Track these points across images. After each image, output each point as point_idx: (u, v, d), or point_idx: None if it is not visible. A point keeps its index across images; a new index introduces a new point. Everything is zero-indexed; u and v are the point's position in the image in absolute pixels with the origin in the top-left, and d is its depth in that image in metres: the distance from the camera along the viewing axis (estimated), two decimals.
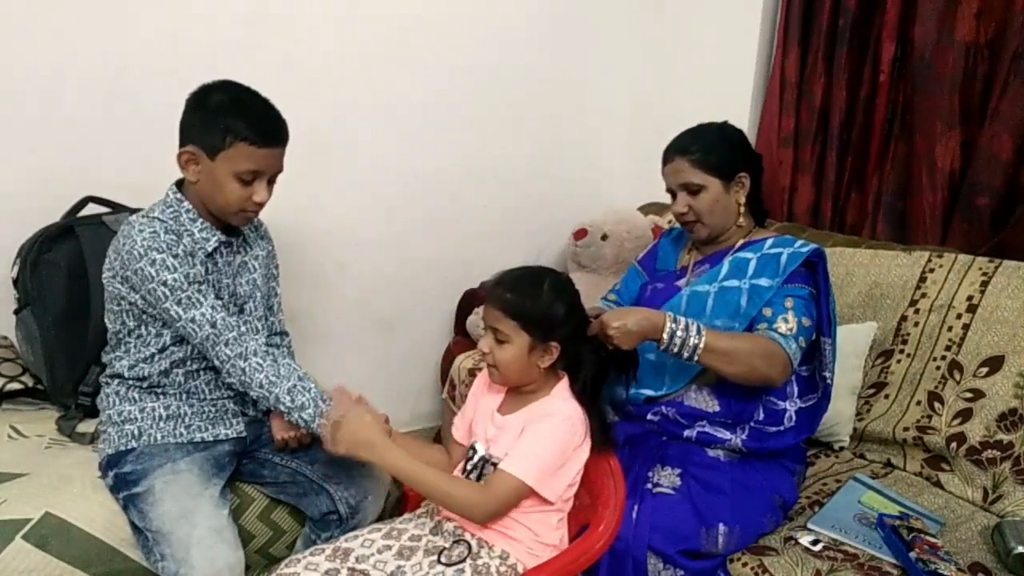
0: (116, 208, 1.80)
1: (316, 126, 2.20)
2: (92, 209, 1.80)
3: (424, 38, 2.36)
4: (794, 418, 1.53)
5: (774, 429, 1.52)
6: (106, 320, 1.48)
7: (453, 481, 1.30)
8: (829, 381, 1.55)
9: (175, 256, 1.36)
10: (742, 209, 1.59)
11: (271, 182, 1.45)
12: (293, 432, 1.51)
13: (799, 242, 1.53)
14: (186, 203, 1.44)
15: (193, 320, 1.37)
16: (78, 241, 1.70)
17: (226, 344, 1.38)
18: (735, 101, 2.47)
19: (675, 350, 1.39)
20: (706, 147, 1.54)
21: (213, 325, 1.37)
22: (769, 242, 1.56)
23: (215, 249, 1.46)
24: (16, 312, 1.74)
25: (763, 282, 1.49)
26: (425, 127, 2.43)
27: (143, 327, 1.44)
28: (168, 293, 1.35)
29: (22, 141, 1.82)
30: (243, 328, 1.41)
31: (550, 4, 2.61)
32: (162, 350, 1.46)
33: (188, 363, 1.48)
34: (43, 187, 1.82)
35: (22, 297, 1.70)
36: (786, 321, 1.44)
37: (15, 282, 1.71)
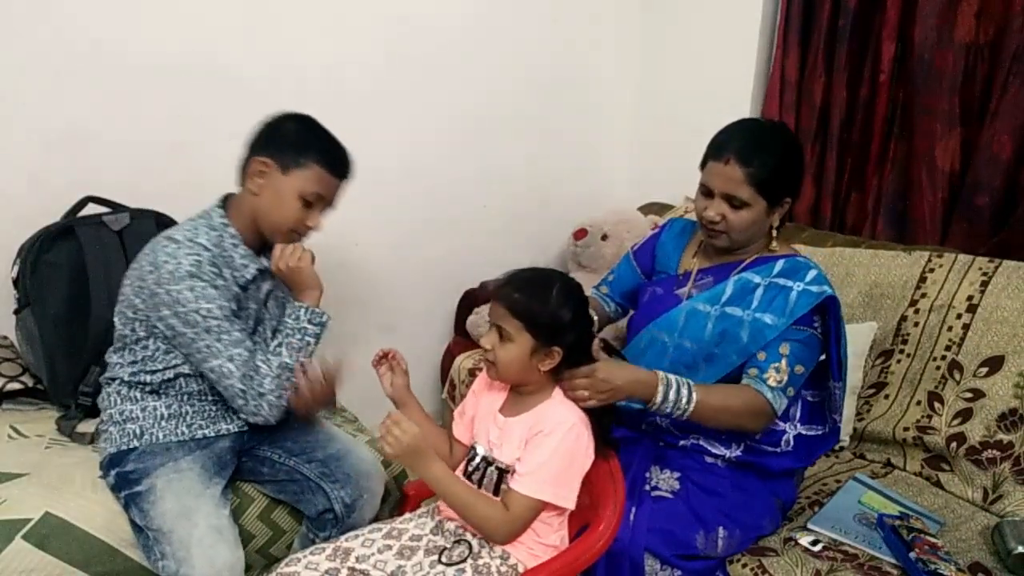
0: (116, 208, 1.80)
1: None
2: (92, 209, 1.80)
3: (424, 39, 2.36)
4: (792, 442, 1.49)
5: (771, 449, 1.48)
6: (116, 319, 1.46)
7: (480, 499, 1.28)
8: (838, 422, 1.52)
9: (215, 288, 1.37)
10: (775, 233, 1.49)
11: (323, 212, 1.49)
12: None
13: (810, 274, 1.43)
14: (231, 228, 1.44)
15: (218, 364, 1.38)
16: (78, 241, 1.69)
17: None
18: (735, 101, 2.47)
19: (665, 411, 1.36)
20: (768, 165, 1.38)
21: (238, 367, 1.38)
22: (779, 265, 1.46)
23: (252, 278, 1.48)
24: (16, 312, 1.73)
25: (768, 319, 1.41)
26: (425, 128, 2.43)
27: (152, 340, 1.43)
28: (200, 320, 1.35)
29: (22, 141, 1.82)
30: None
31: (551, 5, 2.61)
32: (167, 367, 1.44)
33: (193, 378, 1.46)
34: (43, 187, 1.82)
35: (22, 297, 1.70)
36: (777, 371, 1.39)
37: (15, 282, 1.71)
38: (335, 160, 1.46)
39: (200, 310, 1.34)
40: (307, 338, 1.47)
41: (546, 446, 1.25)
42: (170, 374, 1.45)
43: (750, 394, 1.39)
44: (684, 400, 1.35)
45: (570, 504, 1.26)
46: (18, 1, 1.75)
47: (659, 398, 1.34)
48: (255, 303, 1.51)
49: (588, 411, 1.32)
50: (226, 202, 1.49)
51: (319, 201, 1.46)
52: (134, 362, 1.45)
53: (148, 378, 1.45)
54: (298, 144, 1.42)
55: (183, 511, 1.34)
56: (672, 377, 1.36)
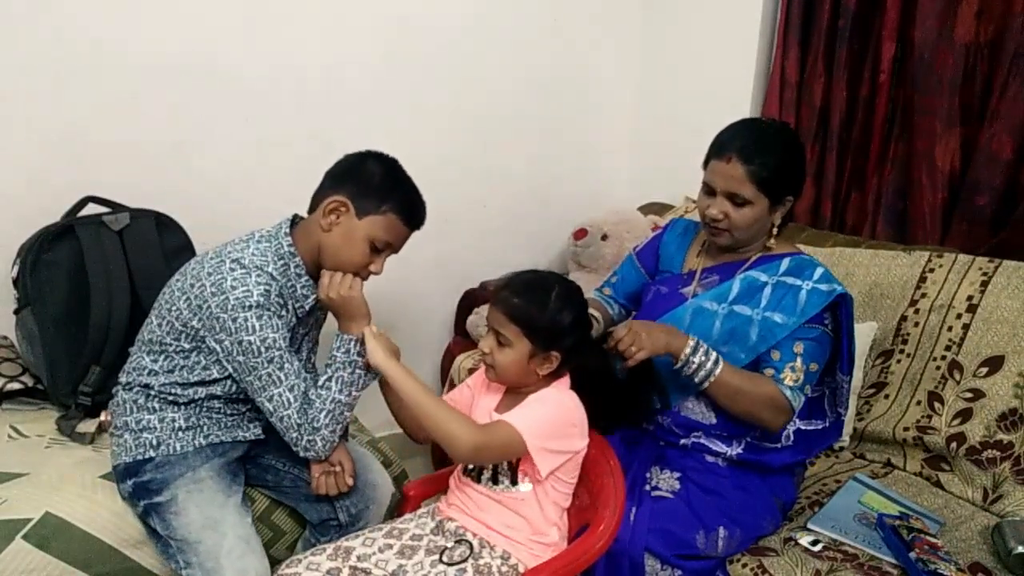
0: (116, 208, 1.80)
1: (316, 127, 2.21)
2: (92, 209, 1.80)
3: (424, 38, 2.36)
4: (792, 438, 1.50)
5: (771, 446, 1.49)
6: (156, 324, 1.42)
7: (450, 408, 1.27)
8: (843, 416, 1.53)
9: (280, 318, 1.35)
10: (775, 231, 1.50)
11: (387, 257, 1.47)
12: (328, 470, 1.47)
13: (818, 272, 1.45)
14: (297, 257, 1.41)
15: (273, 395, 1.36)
16: (78, 241, 1.69)
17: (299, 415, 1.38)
18: (735, 101, 2.47)
19: (691, 370, 1.39)
20: (770, 164, 1.40)
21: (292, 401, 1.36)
22: (785, 264, 1.47)
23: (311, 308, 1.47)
24: (16, 312, 1.73)
25: (777, 318, 1.42)
26: (425, 128, 2.43)
27: (196, 353, 1.39)
28: (263, 350, 1.32)
29: (22, 141, 1.82)
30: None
31: (551, 5, 2.61)
32: (202, 383, 1.41)
33: (220, 399, 1.45)
34: (43, 187, 1.82)
35: (22, 297, 1.70)
36: (793, 370, 1.41)
37: (15, 282, 1.71)
38: (412, 212, 1.44)
39: (266, 339, 1.31)
40: (359, 371, 1.39)
41: (539, 401, 1.27)
42: (201, 393, 1.41)
43: (771, 386, 1.41)
44: (711, 362, 1.38)
45: (543, 468, 1.23)
46: (18, 1, 1.75)
47: (688, 349, 1.38)
48: (304, 328, 1.50)
49: (628, 383, 1.34)
50: (292, 225, 1.45)
51: (387, 248, 1.44)
52: (171, 371, 1.40)
53: (178, 390, 1.41)
54: (379, 190, 1.39)
55: (209, 522, 1.34)
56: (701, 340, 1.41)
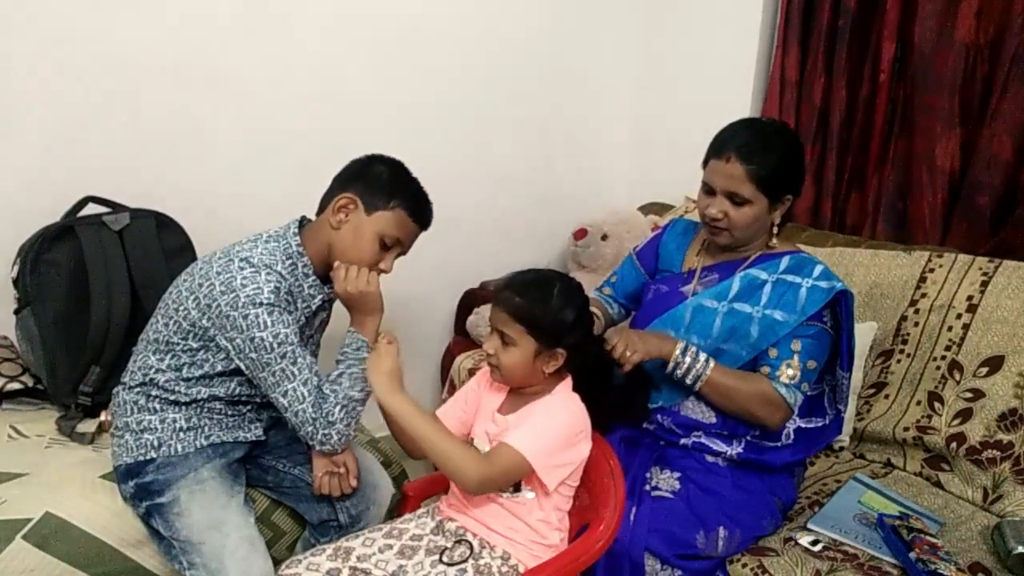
0: (116, 208, 1.80)
1: (315, 126, 2.21)
2: (92, 209, 1.80)
3: (424, 38, 2.36)
4: (792, 436, 1.51)
5: (771, 444, 1.49)
6: (161, 323, 1.42)
7: (453, 440, 1.25)
8: (843, 413, 1.54)
9: (290, 314, 1.36)
10: (775, 229, 1.51)
11: (396, 257, 1.49)
12: (332, 469, 1.47)
13: (817, 269, 1.46)
14: (305, 257, 1.43)
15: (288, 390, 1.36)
16: (78, 241, 1.69)
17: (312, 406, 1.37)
18: (735, 101, 2.47)
19: (681, 372, 1.41)
20: (769, 162, 1.40)
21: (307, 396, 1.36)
22: (785, 262, 1.48)
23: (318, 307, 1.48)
24: (16, 312, 1.73)
25: (778, 316, 1.43)
26: (425, 128, 2.43)
27: (204, 351, 1.39)
28: (276, 346, 1.33)
29: (22, 141, 1.82)
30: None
31: (550, 5, 2.61)
32: (207, 380, 1.41)
33: (222, 400, 1.45)
34: (43, 187, 1.82)
35: (22, 297, 1.70)
36: (789, 367, 1.42)
37: (15, 282, 1.71)
38: (420, 208, 1.47)
39: (278, 335, 1.32)
40: None
41: (544, 414, 1.26)
42: (204, 393, 1.42)
43: (764, 383, 1.43)
44: (701, 364, 1.41)
45: (550, 484, 1.23)
46: (18, 1, 1.75)
47: (678, 352, 1.41)
48: (310, 329, 1.51)
49: (624, 386, 1.35)
50: (301, 226, 1.46)
51: (396, 245, 1.46)
52: (177, 368, 1.40)
53: (182, 387, 1.41)
54: (388, 187, 1.42)
55: (212, 523, 1.34)
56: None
